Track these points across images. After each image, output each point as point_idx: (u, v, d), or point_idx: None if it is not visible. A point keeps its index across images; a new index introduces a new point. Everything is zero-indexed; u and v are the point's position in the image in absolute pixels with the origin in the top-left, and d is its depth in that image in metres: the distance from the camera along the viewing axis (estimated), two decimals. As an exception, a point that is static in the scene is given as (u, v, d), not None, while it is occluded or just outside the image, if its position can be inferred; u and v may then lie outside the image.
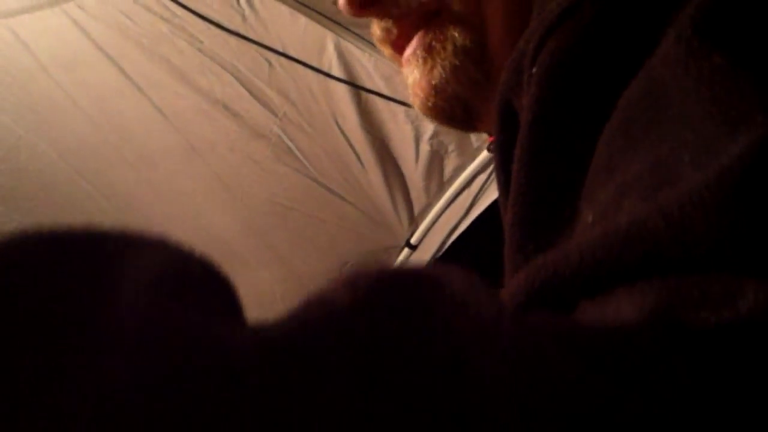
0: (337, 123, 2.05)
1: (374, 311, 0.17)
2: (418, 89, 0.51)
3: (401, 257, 2.33)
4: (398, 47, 0.52)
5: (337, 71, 1.92)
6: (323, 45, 1.88)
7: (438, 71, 0.49)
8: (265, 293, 2.37)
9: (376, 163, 2.12)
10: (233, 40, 1.86)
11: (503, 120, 0.41)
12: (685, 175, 0.27)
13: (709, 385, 0.18)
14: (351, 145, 2.09)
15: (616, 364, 0.18)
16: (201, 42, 1.88)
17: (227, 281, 0.20)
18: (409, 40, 0.51)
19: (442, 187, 2.20)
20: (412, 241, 2.30)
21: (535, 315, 0.25)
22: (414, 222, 2.28)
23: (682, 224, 0.25)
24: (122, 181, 2.14)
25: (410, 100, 0.53)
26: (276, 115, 2.02)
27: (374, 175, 2.15)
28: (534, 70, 0.37)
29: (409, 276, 0.18)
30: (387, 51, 0.54)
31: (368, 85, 1.95)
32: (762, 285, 0.22)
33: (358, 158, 2.12)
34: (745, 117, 0.27)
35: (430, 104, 0.51)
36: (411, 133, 2.05)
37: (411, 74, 0.51)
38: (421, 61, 0.50)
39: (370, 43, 1.84)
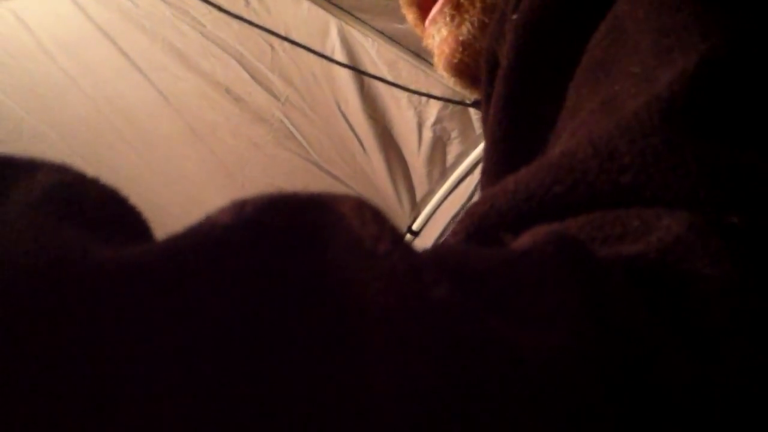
0: (339, 108, 2.04)
1: (252, 230, 0.16)
2: (444, 46, 0.50)
3: (403, 243, 2.33)
4: (424, 7, 0.52)
5: (340, 56, 1.91)
6: (326, 30, 1.87)
7: (466, 27, 0.49)
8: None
9: (378, 149, 2.11)
10: (236, 24, 1.85)
11: (490, 71, 0.41)
12: (624, 108, 0.26)
13: (598, 315, 0.17)
14: (353, 131, 2.08)
15: (487, 288, 0.17)
16: (203, 25, 1.87)
17: (130, 207, 0.20)
18: None
19: (445, 174, 2.20)
20: (414, 227, 2.30)
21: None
22: (416, 208, 2.28)
23: (608, 152, 0.24)
24: (123, 164, 2.13)
25: (435, 61, 0.52)
26: (278, 100, 2.02)
27: (377, 161, 2.14)
28: (515, 17, 0.37)
29: (299, 199, 0.17)
30: (412, 14, 0.54)
31: (371, 70, 1.94)
32: (679, 217, 0.21)
33: (361, 143, 2.11)
34: (684, 45, 0.26)
35: (456, 60, 0.50)
36: (414, 119, 2.04)
37: (438, 33, 0.51)
38: (448, 18, 0.49)
39: (374, 29, 1.83)
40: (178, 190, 2.20)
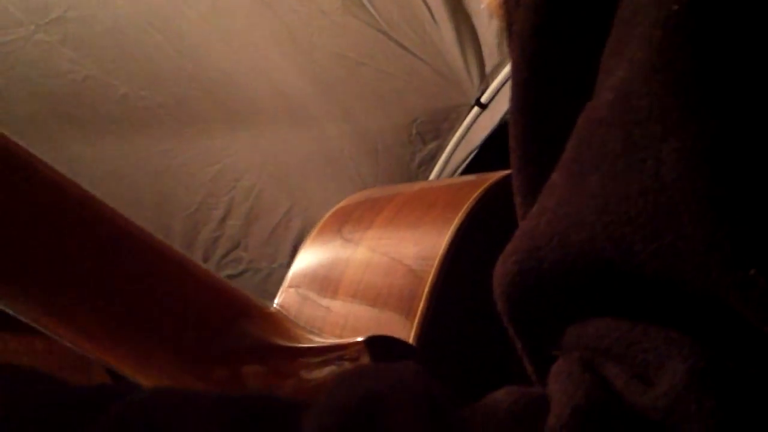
0: (410, -25, 1.98)
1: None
2: None
3: (470, 116, 2.30)
4: None
5: None
6: None
7: None
8: (333, 149, 2.38)
9: (448, 19, 2.05)
10: None
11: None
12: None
13: None
14: (424, -1, 2.02)
15: None
16: None
17: None
18: None
19: (517, 45, 2.13)
20: (483, 99, 2.25)
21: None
22: (485, 80, 2.23)
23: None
24: (192, 32, 2.11)
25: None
26: (347, -34, 1.96)
27: (446, 31, 2.08)
28: None
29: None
30: None
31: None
32: (685, 357, 0.23)
33: (431, 12, 2.05)
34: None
35: None
36: (487, -13, 1.96)
37: None
38: None
39: None
40: (246, 58, 2.18)
